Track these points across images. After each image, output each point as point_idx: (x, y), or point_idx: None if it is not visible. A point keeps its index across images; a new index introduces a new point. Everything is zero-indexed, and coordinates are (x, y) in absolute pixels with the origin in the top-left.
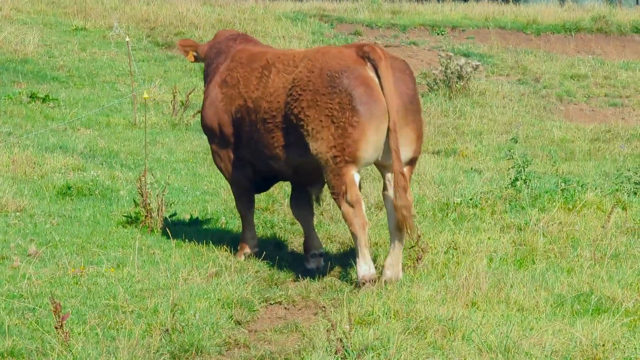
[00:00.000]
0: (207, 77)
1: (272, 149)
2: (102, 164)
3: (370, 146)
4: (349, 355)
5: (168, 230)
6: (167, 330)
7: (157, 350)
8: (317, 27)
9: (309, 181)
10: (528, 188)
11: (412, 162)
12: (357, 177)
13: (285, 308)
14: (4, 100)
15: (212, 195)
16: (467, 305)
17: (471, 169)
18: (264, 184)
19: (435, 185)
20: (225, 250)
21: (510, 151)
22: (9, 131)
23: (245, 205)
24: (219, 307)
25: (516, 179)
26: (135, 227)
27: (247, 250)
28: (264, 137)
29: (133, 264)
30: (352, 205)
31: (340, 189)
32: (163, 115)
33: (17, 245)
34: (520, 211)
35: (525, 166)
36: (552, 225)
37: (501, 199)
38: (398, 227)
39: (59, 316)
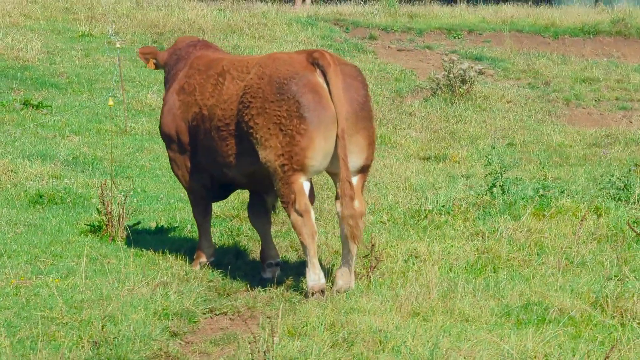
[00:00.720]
0: (167, 84)
1: (226, 157)
2: (81, 172)
3: (318, 154)
4: None
5: (128, 239)
6: (96, 342)
7: None
8: (328, 32)
9: (264, 189)
10: (504, 195)
11: (363, 170)
12: (306, 186)
13: (230, 319)
14: None
15: (186, 202)
16: (409, 315)
17: (460, 175)
18: (221, 192)
19: (413, 191)
20: (183, 260)
21: (487, 157)
22: None
23: (201, 214)
24: (156, 318)
25: (493, 185)
26: (97, 236)
27: (203, 259)
28: (218, 145)
29: (82, 274)
30: (300, 215)
31: (289, 198)
32: (157, 121)
33: None
34: (491, 218)
35: (503, 172)
36: (520, 232)
37: (475, 206)
38: (347, 237)
39: None
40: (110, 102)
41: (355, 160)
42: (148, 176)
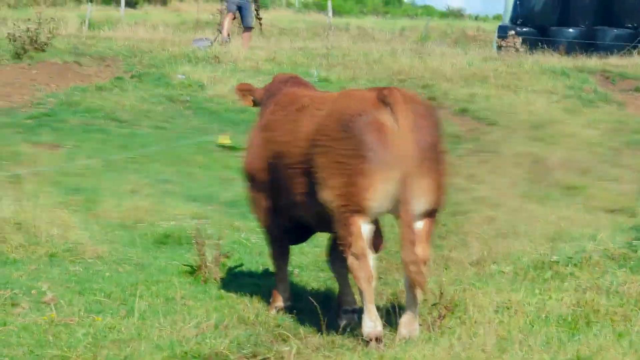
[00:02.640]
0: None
1: (295, 195)
2: (232, 215)
3: (379, 196)
4: None
5: (224, 282)
6: None
7: None
8: (579, 82)
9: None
10: None
11: (431, 215)
12: (365, 228)
13: None
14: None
15: (298, 248)
16: None
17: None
18: (300, 235)
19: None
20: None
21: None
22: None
23: (278, 256)
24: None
25: (637, 239)
26: (194, 277)
27: (280, 303)
28: (289, 183)
29: (135, 314)
30: (357, 258)
31: (347, 240)
32: None
33: (43, 292)
34: (618, 272)
35: None
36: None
37: (610, 259)
38: (410, 284)
39: None
40: (221, 140)
41: (420, 204)
42: None
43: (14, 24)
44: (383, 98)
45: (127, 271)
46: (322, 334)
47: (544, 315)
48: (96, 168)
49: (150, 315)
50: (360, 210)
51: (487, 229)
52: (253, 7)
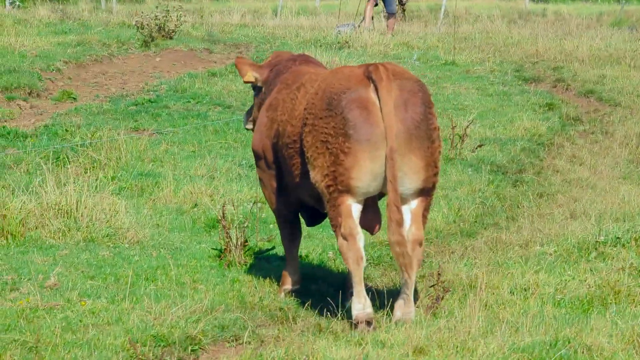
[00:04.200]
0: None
1: (295, 177)
2: None
3: (365, 175)
4: None
5: (252, 266)
6: None
7: None
8: None
9: None
10: None
11: (423, 193)
12: (355, 208)
13: (235, 348)
14: None
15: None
16: (414, 351)
17: None
18: (314, 215)
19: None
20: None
21: None
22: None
23: (287, 238)
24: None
25: None
26: (219, 261)
27: (288, 286)
28: (288, 163)
29: (127, 298)
30: (345, 239)
31: (336, 221)
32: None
33: (48, 277)
34: None
35: None
36: None
37: None
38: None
39: None
40: None
41: (409, 182)
42: None
43: (141, 13)
44: (368, 74)
45: (159, 256)
46: (322, 316)
47: (559, 297)
48: (176, 153)
49: (146, 299)
50: (347, 190)
51: (561, 210)
52: None
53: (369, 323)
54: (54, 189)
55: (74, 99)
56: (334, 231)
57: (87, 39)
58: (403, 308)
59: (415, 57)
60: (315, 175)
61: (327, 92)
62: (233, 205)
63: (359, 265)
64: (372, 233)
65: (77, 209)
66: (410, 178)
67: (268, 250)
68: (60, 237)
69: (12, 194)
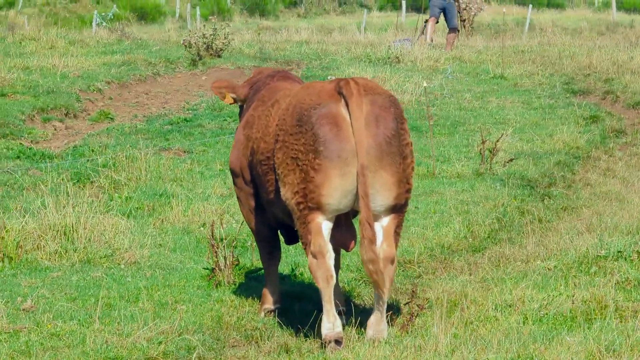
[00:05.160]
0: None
1: (268, 193)
2: None
3: (335, 192)
4: None
5: (240, 286)
6: None
7: None
8: None
9: None
10: None
11: (395, 210)
12: (326, 226)
13: None
14: None
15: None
16: None
17: None
18: (292, 233)
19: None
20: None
21: None
22: None
23: (266, 256)
24: None
25: None
26: (208, 281)
27: (268, 305)
28: (263, 180)
29: (96, 321)
30: (315, 257)
31: (306, 238)
32: (474, 164)
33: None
34: None
35: None
36: None
37: None
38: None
39: None
40: None
41: (381, 199)
42: None
43: (190, 31)
44: (339, 89)
45: (152, 276)
46: (297, 336)
47: (542, 313)
48: (201, 172)
49: (120, 321)
50: (317, 207)
51: (575, 224)
52: (456, 7)
53: (338, 342)
54: (53, 211)
55: (112, 119)
56: (304, 249)
57: (132, 58)
58: (375, 326)
59: (450, 71)
60: (285, 193)
61: (297, 107)
62: (235, 224)
63: (328, 284)
64: (347, 250)
65: (75, 229)
66: (382, 195)
67: (260, 269)
68: (57, 259)
69: (22, 215)
